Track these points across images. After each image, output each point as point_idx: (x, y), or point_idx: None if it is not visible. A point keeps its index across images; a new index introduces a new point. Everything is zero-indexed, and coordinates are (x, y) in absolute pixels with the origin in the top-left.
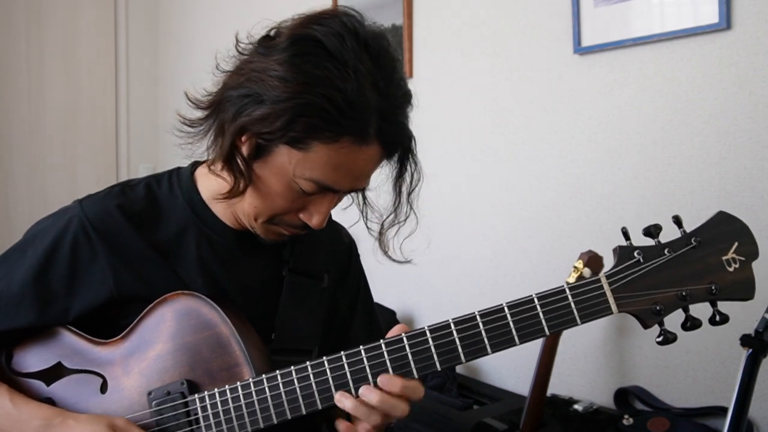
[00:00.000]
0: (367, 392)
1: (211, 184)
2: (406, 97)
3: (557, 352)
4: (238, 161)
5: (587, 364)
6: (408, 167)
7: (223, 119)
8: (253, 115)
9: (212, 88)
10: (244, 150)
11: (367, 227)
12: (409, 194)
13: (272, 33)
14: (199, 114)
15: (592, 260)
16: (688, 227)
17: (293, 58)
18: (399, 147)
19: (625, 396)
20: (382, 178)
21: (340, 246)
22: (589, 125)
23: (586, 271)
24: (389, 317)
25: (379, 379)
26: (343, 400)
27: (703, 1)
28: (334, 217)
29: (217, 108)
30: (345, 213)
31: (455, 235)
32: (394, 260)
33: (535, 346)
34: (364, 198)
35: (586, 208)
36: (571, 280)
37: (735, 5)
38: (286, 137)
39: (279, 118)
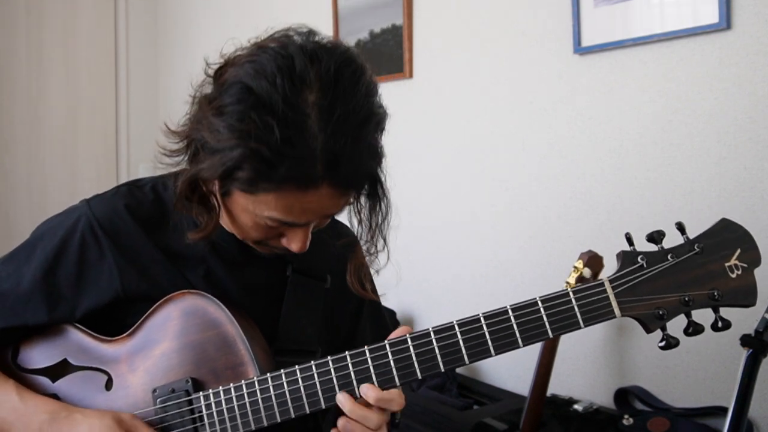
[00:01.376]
0: (342, 398)
1: None
2: (364, 126)
3: (557, 352)
4: (210, 199)
5: (587, 364)
6: (375, 200)
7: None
8: (201, 164)
9: (186, 117)
10: (214, 186)
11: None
12: (378, 227)
13: (227, 60)
14: (176, 146)
15: (592, 260)
16: (688, 228)
17: (223, 107)
18: (356, 185)
19: (625, 396)
20: None
21: (344, 246)
22: (589, 125)
23: (586, 271)
24: (389, 317)
25: (361, 388)
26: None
27: (703, 1)
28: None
29: (187, 142)
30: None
31: (455, 235)
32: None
33: (535, 347)
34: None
35: (586, 208)
36: (571, 280)
37: (735, 5)
38: (232, 185)
39: (219, 168)
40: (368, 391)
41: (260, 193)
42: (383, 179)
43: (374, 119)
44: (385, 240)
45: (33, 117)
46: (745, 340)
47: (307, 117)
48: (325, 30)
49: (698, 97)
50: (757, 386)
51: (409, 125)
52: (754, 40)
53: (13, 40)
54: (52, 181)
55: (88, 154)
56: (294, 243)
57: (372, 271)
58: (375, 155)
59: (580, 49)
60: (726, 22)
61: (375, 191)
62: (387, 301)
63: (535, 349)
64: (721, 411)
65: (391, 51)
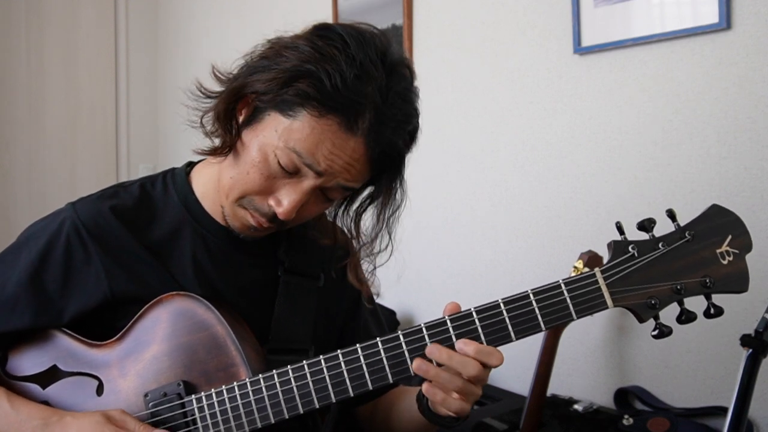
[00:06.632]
0: (435, 350)
1: (204, 183)
2: (407, 117)
3: (557, 352)
4: (231, 122)
5: (587, 364)
6: (393, 187)
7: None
8: (255, 77)
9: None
10: (241, 116)
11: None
12: (390, 216)
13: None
14: (217, 88)
15: (592, 260)
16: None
17: (313, 37)
18: (386, 158)
19: (625, 396)
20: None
21: (337, 245)
22: (589, 125)
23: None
24: (388, 317)
25: (457, 344)
26: (421, 366)
27: (703, 1)
28: None
29: (233, 80)
30: None
31: (455, 235)
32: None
33: (535, 346)
34: (357, 229)
35: (586, 208)
36: None
37: (735, 5)
38: (278, 100)
39: (276, 79)
40: (465, 346)
41: (300, 117)
42: (403, 174)
43: (416, 120)
44: (390, 236)
45: (33, 117)
46: (745, 340)
47: (374, 79)
48: None
49: (698, 97)
50: (757, 386)
51: None
52: (754, 40)
53: (13, 40)
54: (52, 181)
55: (88, 154)
56: (286, 199)
57: (372, 268)
58: (406, 147)
59: (580, 49)
60: (726, 22)
61: (394, 181)
62: (386, 301)
63: (535, 349)
64: (721, 411)
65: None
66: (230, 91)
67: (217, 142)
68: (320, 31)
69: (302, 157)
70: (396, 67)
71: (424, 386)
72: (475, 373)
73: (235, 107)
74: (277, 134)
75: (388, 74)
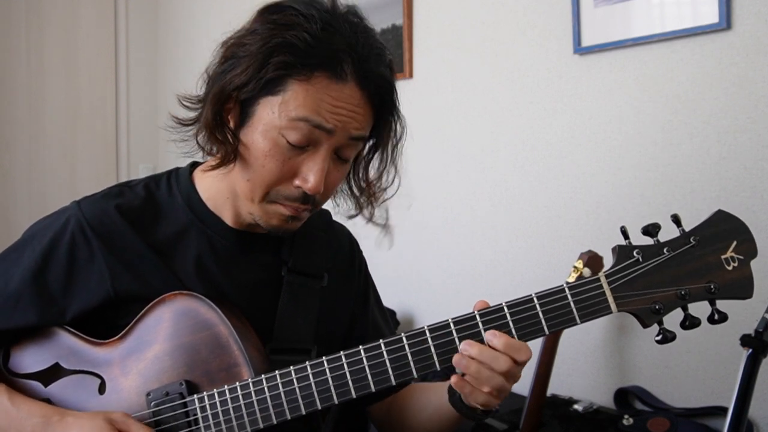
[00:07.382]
0: (467, 345)
1: (209, 184)
2: (381, 48)
3: (557, 352)
4: (225, 130)
5: (587, 364)
6: (391, 119)
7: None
8: (231, 74)
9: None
10: (231, 121)
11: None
12: (393, 149)
13: None
14: (192, 114)
15: (592, 260)
16: (688, 227)
17: (263, 15)
18: (380, 92)
19: (625, 396)
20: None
21: (341, 245)
22: (589, 125)
23: (586, 271)
24: (389, 317)
25: (485, 335)
26: (461, 362)
27: (703, 1)
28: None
29: (205, 100)
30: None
31: (455, 235)
32: (375, 224)
33: (535, 346)
34: (368, 178)
35: (586, 208)
36: (571, 280)
37: (735, 5)
38: (262, 83)
39: (252, 65)
40: (494, 338)
41: (290, 88)
42: (398, 103)
43: (388, 51)
44: (396, 167)
45: (33, 117)
46: (745, 340)
47: (337, 28)
48: None
49: (698, 97)
50: (757, 386)
51: (409, 125)
52: (754, 40)
53: (13, 40)
54: (52, 181)
55: (88, 154)
56: (311, 176)
57: (386, 200)
58: (392, 77)
59: (580, 49)
60: (726, 22)
61: (392, 115)
62: (387, 301)
63: (535, 349)
64: (721, 411)
65: (391, 51)
66: (212, 97)
67: (216, 151)
68: (268, 10)
69: (309, 121)
70: (348, 15)
71: (454, 379)
72: (507, 368)
73: (222, 113)
74: (276, 114)
75: (346, 21)
